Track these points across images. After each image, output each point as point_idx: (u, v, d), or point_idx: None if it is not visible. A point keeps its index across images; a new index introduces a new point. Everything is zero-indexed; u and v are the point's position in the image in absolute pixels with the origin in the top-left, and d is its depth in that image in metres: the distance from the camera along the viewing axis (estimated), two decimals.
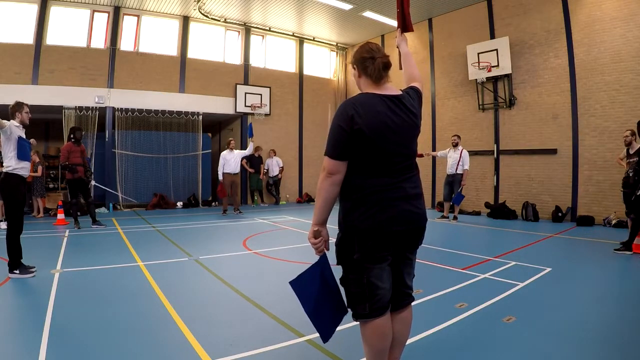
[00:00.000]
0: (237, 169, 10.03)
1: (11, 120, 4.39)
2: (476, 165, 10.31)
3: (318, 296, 1.92)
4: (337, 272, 1.95)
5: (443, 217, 9.28)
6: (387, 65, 1.90)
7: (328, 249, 1.95)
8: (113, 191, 10.90)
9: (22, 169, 4.42)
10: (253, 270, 4.80)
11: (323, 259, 1.94)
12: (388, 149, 1.81)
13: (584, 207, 8.63)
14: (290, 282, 1.92)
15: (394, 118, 1.83)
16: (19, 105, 4.50)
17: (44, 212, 9.46)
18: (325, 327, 1.97)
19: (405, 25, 2.41)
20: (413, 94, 2.01)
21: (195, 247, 6.02)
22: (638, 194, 5.36)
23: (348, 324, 2.74)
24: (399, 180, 1.85)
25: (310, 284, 1.91)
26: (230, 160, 9.89)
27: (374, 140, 1.77)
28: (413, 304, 2.11)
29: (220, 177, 9.86)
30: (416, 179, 1.95)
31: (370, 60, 1.89)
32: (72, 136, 7.68)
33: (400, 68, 2.35)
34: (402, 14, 2.43)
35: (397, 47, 2.42)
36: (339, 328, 2.09)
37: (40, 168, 9.23)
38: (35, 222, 8.42)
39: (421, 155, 9.07)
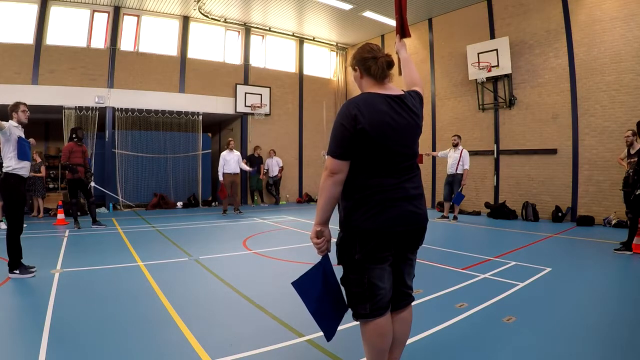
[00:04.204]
0: (237, 169, 10.03)
1: (10, 121, 4.39)
2: (476, 165, 10.31)
3: (321, 296, 1.92)
4: (338, 271, 1.95)
5: (443, 217, 9.28)
6: (390, 64, 1.90)
7: (330, 250, 1.95)
8: (112, 194, 10.91)
9: (22, 168, 4.42)
10: (253, 270, 4.80)
11: (325, 259, 1.94)
12: (391, 148, 1.81)
13: (584, 207, 8.63)
14: (293, 283, 1.92)
15: (397, 117, 1.83)
16: (15, 106, 4.50)
17: (44, 212, 9.46)
18: (329, 326, 1.98)
19: (403, 31, 2.42)
20: (415, 95, 2.01)
21: (195, 247, 6.02)
22: (637, 193, 5.37)
23: (348, 324, 2.74)
24: (401, 181, 1.85)
25: (313, 284, 1.91)
26: (230, 161, 9.90)
27: (377, 139, 1.77)
28: (413, 304, 2.11)
29: (221, 178, 9.87)
30: (418, 179, 1.95)
31: (372, 60, 1.89)
32: (74, 136, 7.69)
33: (400, 74, 2.33)
34: (400, 20, 2.43)
35: (397, 53, 2.38)
36: (339, 328, 2.09)
37: (42, 168, 9.24)
38: (35, 222, 8.42)
39: (421, 162, 9.02)
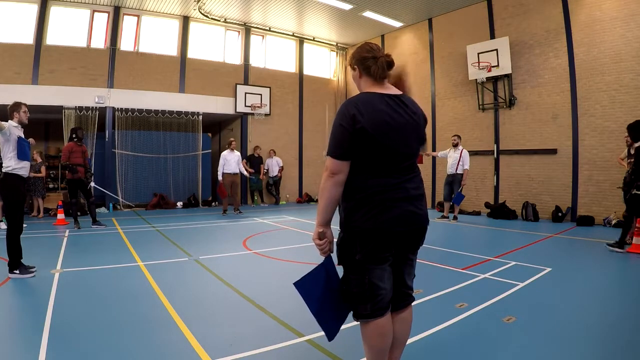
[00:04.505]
0: (237, 169, 10.02)
1: (9, 121, 4.40)
2: (476, 165, 10.31)
3: (323, 297, 1.92)
4: (339, 271, 1.96)
5: (443, 217, 9.28)
6: (390, 64, 1.90)
7: (332, 251, 1.95)
8: (112, 194, 10.91)
9: (22, 168, 4.42)
10: (253, 270, 4.80)
11: (328, 259, 1.93)
12: (390, 147, 1.80)
13: (584, 207, 8.62)
14: (295, 284, 1.90)
15: (395, 116, 1.82)
16: (16, 105, 4.50)
17: (44, 212, 9.46)
18: (331, 327, 1.98)
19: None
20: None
21: (195, 247, 6.02)
22: (633, 192, 5.39)
23: (348, 324, 2.73)
24: (402, 181, 1.85)
25: (315, 285, 1.90)
26: (231, 161, 9.89)
27: (377, 138, 1.76)
28: (413, 304, 2.11)
29: (220, 178, 9.86)
30: (418, 179, 1.95)
31: (372, 60, 1.88)
32: (74, 136, 7.69)
33: None
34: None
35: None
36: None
37: (43, 168, 9.24)
38: (35, 222, 8.42)
39: (421, 162, 8.91)
